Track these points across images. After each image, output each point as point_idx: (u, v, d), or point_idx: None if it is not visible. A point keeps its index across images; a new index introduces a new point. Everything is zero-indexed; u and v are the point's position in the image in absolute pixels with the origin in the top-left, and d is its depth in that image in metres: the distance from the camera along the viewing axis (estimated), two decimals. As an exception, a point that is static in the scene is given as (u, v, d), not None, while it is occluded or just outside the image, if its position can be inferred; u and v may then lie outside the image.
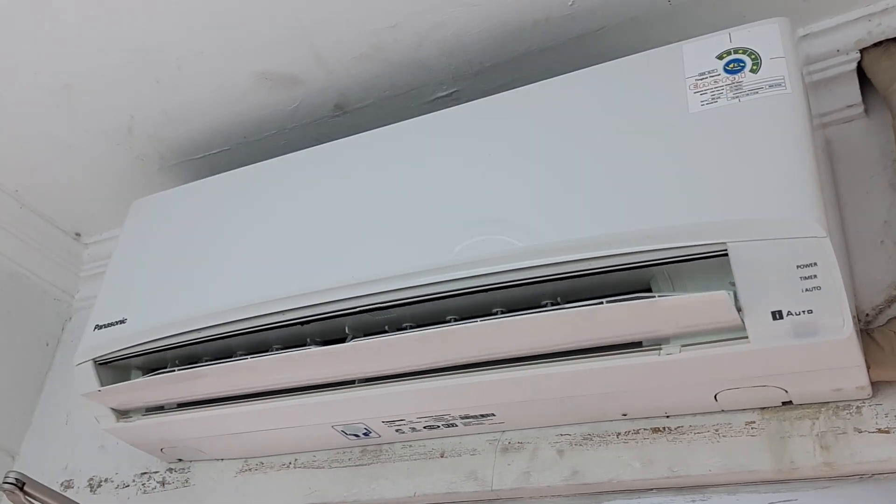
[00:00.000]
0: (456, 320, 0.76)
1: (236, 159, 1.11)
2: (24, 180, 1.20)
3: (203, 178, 1.03)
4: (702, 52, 0.76)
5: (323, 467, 0.95)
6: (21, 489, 0.86)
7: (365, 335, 0.79)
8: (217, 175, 1.01)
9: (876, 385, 0.72)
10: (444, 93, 1.02)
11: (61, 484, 1.14)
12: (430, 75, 0.99)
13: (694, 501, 0.78)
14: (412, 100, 1.03)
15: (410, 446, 0.91)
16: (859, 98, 0.88)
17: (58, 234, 1.30)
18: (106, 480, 1.11)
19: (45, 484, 0.90)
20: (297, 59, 0.98)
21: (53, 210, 1.26)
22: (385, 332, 0.79)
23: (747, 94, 0.72)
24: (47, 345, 1.30)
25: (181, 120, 1.07)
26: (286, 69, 1.00)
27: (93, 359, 0.93)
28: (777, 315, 0.65)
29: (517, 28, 0.92)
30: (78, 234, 1.32)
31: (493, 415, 0.84)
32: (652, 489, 0.79)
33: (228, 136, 1.09)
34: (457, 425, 0.86)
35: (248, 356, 0.84)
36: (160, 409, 0.95)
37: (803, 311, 0.64)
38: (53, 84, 1.03)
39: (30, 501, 0.87)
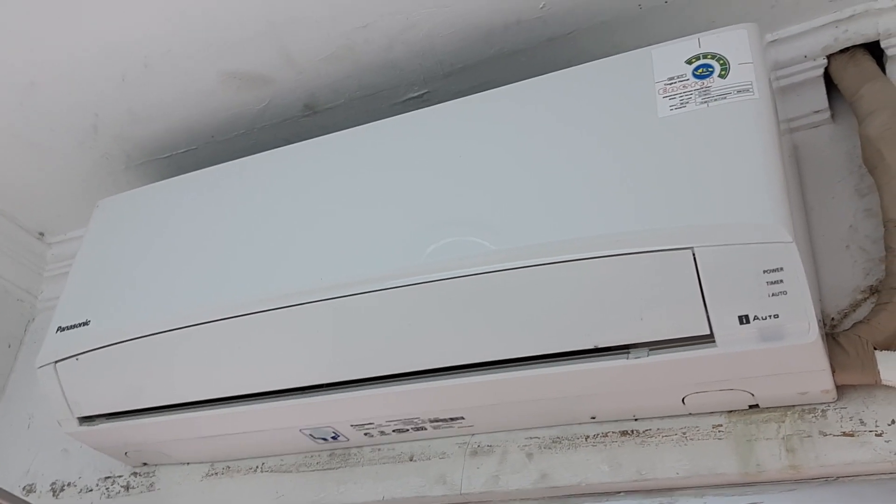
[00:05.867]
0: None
1: (204, 159, 1.10)
2: (-14, 179, 1.18)
3: (170, 177, 1.02)
4: (671, 56, 0.77)
5: (290, 471, 0.94)
6: (-20, 495, 0.84)
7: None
8: (184, 175, 1.00)
9: (841, 389, 0.73)
10: (415, 94, 1.01)
11: (23, 488, 1.12)
12: (400, 76, 0.99)
13: (661, 504, 0.78)
14: (383, 101, 1.02)
15: (379, 450, 0.91)
16: (826, 104, 0.88)
17: (21, 234, 1.27)
18: (69, 485, 1.09)
19: (6, 488, 0.89)
20: (266, 59, 0.97)
21: (16, 209, 1.24)
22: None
23: (715, 100, 0.72)
24: (9, 346, 1.27)
25: (147, 119, 1.06)
26: (255, 68, 0.98)
27: (55, 361, 0.92)
28: (744, 319, 0.66)
29: (488, 30, 0.92)
30: (41, 234, 1.30)
31: (463, 418, 0.83)
32: (620, 492, 0.80)
33: (196, 136, 1.08)
34: (426, 428, 0.86)
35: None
36: (125, 412, 0.93)
37: (770, 316, 0.65)
38: (17, 81, 1.01)
39: (-11, 507, 0.85)
